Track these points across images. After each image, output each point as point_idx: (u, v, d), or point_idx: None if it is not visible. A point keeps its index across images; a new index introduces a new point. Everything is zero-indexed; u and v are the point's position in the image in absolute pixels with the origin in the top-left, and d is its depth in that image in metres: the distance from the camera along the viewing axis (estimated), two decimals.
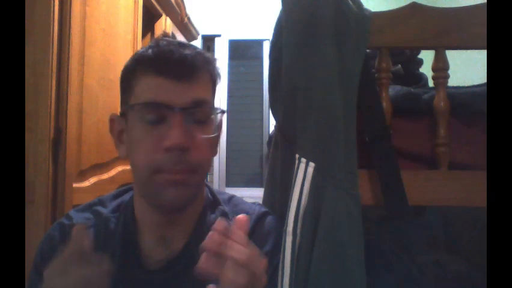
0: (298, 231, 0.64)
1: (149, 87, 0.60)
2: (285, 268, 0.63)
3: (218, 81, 0.69)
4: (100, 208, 0.71)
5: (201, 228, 0.67)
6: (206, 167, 0.64)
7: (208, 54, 0.66)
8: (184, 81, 0.60)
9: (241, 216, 0.51)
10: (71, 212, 0.72)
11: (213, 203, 0.72)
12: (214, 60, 0.67)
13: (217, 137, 0.70)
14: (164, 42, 0.63)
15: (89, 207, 0.72)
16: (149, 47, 0.63)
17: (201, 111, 0.62)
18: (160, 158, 0.59)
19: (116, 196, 0.74)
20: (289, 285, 0.62)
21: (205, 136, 0.62)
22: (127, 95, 0.63)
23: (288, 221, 0.65)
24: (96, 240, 0.66)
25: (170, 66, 0.60)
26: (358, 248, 0.63)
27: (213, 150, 0.67)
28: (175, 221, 0.66)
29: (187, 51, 0.62)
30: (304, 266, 0.62)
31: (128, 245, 0.66)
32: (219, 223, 0.50)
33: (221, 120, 0.70)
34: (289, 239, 0.64)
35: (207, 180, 3.35)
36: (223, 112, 0.65)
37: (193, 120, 0.61)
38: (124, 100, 0.65)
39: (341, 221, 0.62)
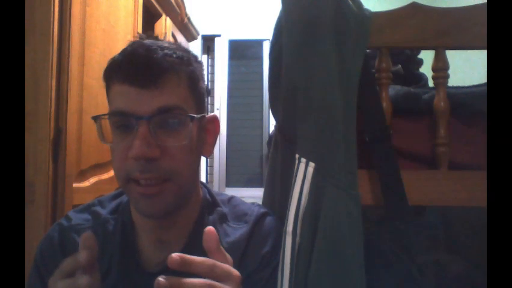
0: (298, 231, 0.64)
1: (117, 95, 0.59)
2: (284, 268, 0.63)
3: (199, 80, 0.65)
4: (98, 209, 0.71)
5: (199, 230, 0.67)
6: (184, 174, 0.61)
7: (182, 53, 0.62)
8: (148, 88, 0.57)
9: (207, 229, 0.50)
10: (71, 213, 0.72)
11: (211, 204, 0.72)
12: (191, 58, 0.64)
13: (211, 136, 0.68)
14: (136, 45, 0.60)
15: (88, 208, 0.72)
16: (122, 50, 0.61)
17: (168, 118, 0.59)
18: (130, 167, 0.58)
19: (115, 197, 0.74)
20: (288, 286, 0.62)
21: (176, 144, 0.59)
22: (108, 103, 0.63)
23: (288, 221, 0.65)
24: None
25: (134, 72, 0.58)
26: (358, 248, 0.63)
27: (199, 153, 0.65)
28: (169, 225, 0.66)
29: (154, 55, 0.58)
30: (304, 266, 0.62)
31: (126, 247, 0.66)
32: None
33: (212, 118, 0.68)
34: (289, 239, 0.64)
35: (206, 180, 3.36)
36: (192, 118, 0.61)
37: (163, 128, 0.59)
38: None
39: (340, 221, 0.62)
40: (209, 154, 0.69)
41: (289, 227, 0.64)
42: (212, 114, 0.70)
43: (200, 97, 0.65)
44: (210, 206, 0.71)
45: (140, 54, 0.58)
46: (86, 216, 0.70)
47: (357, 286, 0.62)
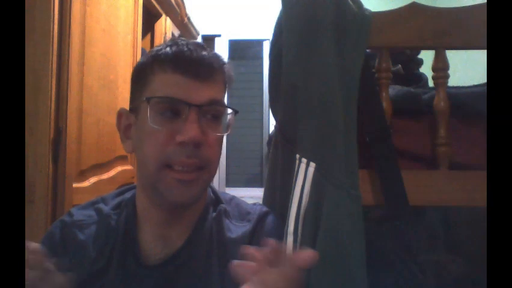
0: (299, 231, 0.64)
1: (168, 83, 0.62)
2: None
3: (231, 83, 0.70)
4: (101, 205, 0.72)
5: (202, 226, 0.68)
6: (215, 165, 0.65)
7: (223, 58, 0.69)
8: (201, 80, 0.62)
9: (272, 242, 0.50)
10: (73, 210, 0.72)
11: (215, 201, 0.73)
12: (228, 64, 0.69)
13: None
14: (183, 42, 0.65)
15: (91, 205, 0.73)
16: (167, 45, 0.65)
17: (215, 110, 0.64)
18: (172, 151, 0.60)
19: (118, 194, 0.75)
20: None
21: (217, 134, 0.64)
22: (141, 90, 0.64)
23: (289, 221, 0.65)
24: (97, 237, 0.67)
25: (189, 64, 0.62)
26: (359, 248, 0.63)
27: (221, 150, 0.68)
28: (176, 219, 0.67)
29: (204, 52, 0.64)
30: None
31: (127, 242, 0.67)
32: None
33: (232, 121, 0.71)
34: (290, 239, 0.64)
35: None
36: (236, 112, 0.67)
37: (207, 118, 0.63)
38: (136, 96, 0.66)
39: (342, 221, 0.62)
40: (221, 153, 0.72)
41: (291, 227, 0.64)
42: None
43: (225, 97, 0.71)
44: (213, 203, 0.73)
45: (193, 50, 0.63)
46: (89, 212, 0.71)
47: (359, 286, 0.62)
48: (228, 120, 0.67)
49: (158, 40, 1.99)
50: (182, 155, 0.60)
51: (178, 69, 0.62)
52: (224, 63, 0.67)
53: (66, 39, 1.13)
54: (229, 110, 0.67)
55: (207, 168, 0.64)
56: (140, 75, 0.65)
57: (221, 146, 0.67)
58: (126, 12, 1.57)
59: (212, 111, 0.64)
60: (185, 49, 0.63)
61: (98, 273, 0.64)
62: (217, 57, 0.66)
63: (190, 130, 0.60)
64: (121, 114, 0.69)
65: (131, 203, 0.70)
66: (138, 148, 0.64)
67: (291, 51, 0.70)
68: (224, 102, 0.66)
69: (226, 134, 0.66)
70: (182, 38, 0.69)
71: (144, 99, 0.62)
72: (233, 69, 0.70)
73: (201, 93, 0.62)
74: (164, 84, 0.62)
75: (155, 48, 0.66)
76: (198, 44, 0.66)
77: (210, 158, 0.63)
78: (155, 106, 0.61)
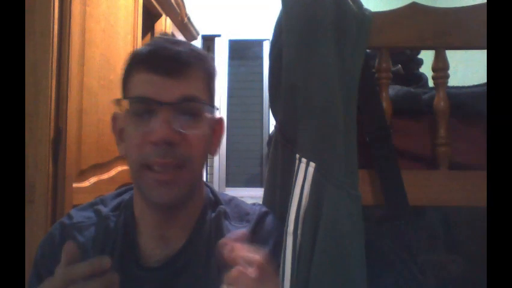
0: (299, 231, 0.64)
1: (140, 83, 0.61)
2: (285, 269, 0.63)
3: (214, 78, 0.68)
4: (100, 207, 0.72)
5: (201, 227, 0.68)
6: (197, 163, 0.63)
7: (202, 52, 0.67)
8: (174, 77, 0.61)
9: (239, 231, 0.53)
10: (73, 211, 0.72)
11: (214, 202, 0.72)
12: (209, 57, 0.67)
13: (217, 136, 0.70)
14: (160, 40, 0.64)
15: (90, 206, 0.73)
16: (146, 44, 0.64)
17: (190, 107, 0.62)
18: (148, 152, 0.59)
19: (117, 195, 0.75)
20: (290, 286, 0.62)
21: (194, 132, 0.61)
22: (124, 92, 0.65)
23: (289, 221, 0.65)
24: (96, 238, 0.67)
25: (161, 62, 0.61)
26: (359, 248, 0.63)
27: (208, 148, 0.67)
28: (174, 220, 0.66)
29: (180, 48, 0.62)
30: (305, 267, 0.62)
31: (127, 243, 0.66)
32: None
33: (219, 119, 0.71)
34: (290, 240, 0.64)
35: (207, 180, 3.35)
36: (215, 109, 0.65)
37: (183, 116, 0.61)
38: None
39: (342, 221, 0.62)
40: (214, 153, 0.71)
41: (290, 228, 0.64)
42: (219, 116, 0.72)
43: (212, 94, 0.69)
44: (212, 204, 0.72)
45: (166, 47, 0.62)
46: (88, 213, 0.71)
47: (358, 286, 0.62)
48: (211, 118, 0.65)
49: None
50: (157, 155, 0.59)
51: (151, 68, 0.61)
52: (203, 58, 0.65)
53: (66, 39, 1.13)
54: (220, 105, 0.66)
55: (186, 167, 0.61)
56: (123, 77, 0.65)
57: (204, 143, 0.64)
58: (126, 12, 1.57)
59: (188, 109, 0.61)
60: (160, 46, 0.62)
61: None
62: (194, 52, 0.64)
63: (159, 129, 0.58)
64: (115, 117, 0.68)
65: (130, 205, 0.70)
66: (126, 151, 0.64)
67: (291, 51, 0.70)
68: (201, 99, 0.63)
69: (205, 132, 0.63)
70: (163, 36, 0.68)
71: (119, 100, 0.62)
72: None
73: (174, 91, 0.60)
74: (138, 84, 0.62)
75: (134, 50, 0.66)
76: (174, 40, 0.65)
77: (188, 157, 0.61)
78: (130, 107, 0.61)
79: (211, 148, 0.69)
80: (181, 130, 0.60)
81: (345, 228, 0.62)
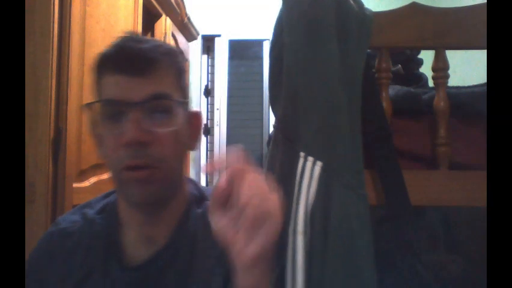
0: (308, 230, 0.63)
1: (108, 85, 0.61)
2: (297, 268, 0.62)
3: (184, 73, 0.67)
4: (87, 210, 0.71)
5: (185, 224, 0.67)
6: (172, 161, 0.62)
7: (170, 47, 0.65)
8: (140, 76, 0.59)
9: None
10: (60, 218, 0.72)
11: (199, 198, 0.71)
12: (177, 52, 0.66)
13: (194, 130, 0.68)
14: (123, 39, 0.63)
15: (78, 210, 0.72)
16: (111, 45, 0.63)
17: (160, 105, 0.60)
18: (122, 155, 0.59)
19: (103, 197, 0.74)
20: (303, 286, 0.62)
21: (168, 129, 0.60)
22: (96, 95, 0.64)
23: (298, 220, 0.64)
24: (81, 242, 0.66)
25: (126, 62, 0.60)
26: (368, 247, 0.63)
27: (184, 144, 0.66)
28: (156, 219, 0.65)
29: (145, 45, 0.61)
30: (319, 267, 0.61)
31: (111, 245, 0.66)
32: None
33: (195, 113, 0.69)
34: (300, 239, 0.63)
35: (206, 181, 3.34)
36: (185, 104, 0.63)
37: (153, 114, 0.60)
38: None
39: (351, 221, 0.62)
40: (194, 148, 0.70)
41: (299, 227, 0.64)
42: (195, 110, 0.71)
43: (185, 89, 0.67)
44: (197, 201, 0.70)
45: (130, 46, 0.61)
46: (75, 218, 0.70)
47: (368, 285, 0.62)
48: (182, 113, 0.63)
49: None
50: (129, 156, 0.58)
51: (117, 68, 0.59)
52: (170, 53, 0.64)
53: (66, 39, 1.13)
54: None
55: (161, 167, 0.60)
56: (93, 80, 0.64)
57: (179, 140, 0.63)
58: (126, 12, 1.57)
59: (158, 107, 0.60)
60: (124, 46, 0.61)
61: (83, 279, 0.63)
62: (161, 48, 0.62)
63: (129, 131, 0.57)
64: (92, 122, 0.67)
65: (115, 206, 0.69)
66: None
67: (293, 51, 0.70)
68: (171, 95, 0.61)
69: (176, 128, 0.61)
70: (128, 35, 0.66)
71: (89, 105, 0.61)
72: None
73: (141, 90, 0.59)
74: (106, 86, 0.61)
75: (101, 52, 0.64)
76: (139, 38, 0.64)
77: (161, 157, 0.60)
78: (101, 110, 0.61)
79: (189, 143, 0.68)
80: (151, 129, 0.59)
81: (355, 227, 0.62)
